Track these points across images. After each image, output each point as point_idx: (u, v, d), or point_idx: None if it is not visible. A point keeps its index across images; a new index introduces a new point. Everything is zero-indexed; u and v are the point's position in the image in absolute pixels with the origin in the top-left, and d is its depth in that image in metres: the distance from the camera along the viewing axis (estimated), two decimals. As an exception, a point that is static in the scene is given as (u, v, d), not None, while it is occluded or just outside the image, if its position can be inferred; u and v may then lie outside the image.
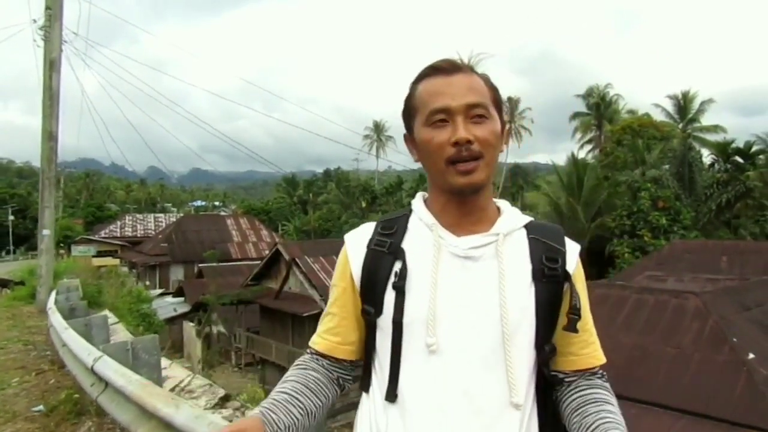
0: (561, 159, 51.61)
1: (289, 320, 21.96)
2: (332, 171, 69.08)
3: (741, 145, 28.53)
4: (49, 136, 11.75)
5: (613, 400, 1.17)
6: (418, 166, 1.23)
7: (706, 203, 27.14)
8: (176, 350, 24.95)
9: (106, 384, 4.44)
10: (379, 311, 1.14)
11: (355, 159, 69.39)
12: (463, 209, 1.16)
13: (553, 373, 1.19)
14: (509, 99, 52.31)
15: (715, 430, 7.84)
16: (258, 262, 27.79)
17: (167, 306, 27.57)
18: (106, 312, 9.23)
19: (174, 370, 6.35)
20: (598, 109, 42.08)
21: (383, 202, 47.15)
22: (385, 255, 1.15)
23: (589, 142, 43.45)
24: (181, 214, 59.05)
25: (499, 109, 1.17)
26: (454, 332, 1.10)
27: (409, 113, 1.19)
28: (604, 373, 1.24)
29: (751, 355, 8.83)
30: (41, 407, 5.24)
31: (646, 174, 26.54)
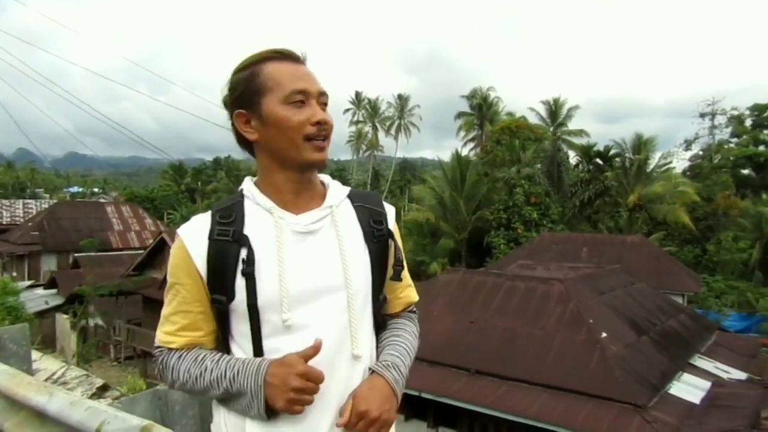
0: (446, 155, 53.50)
1: (173, 311, 21.13)
2: (222, 159, 66.72)
3: (601, 148, 32.20)
4: None
5: (409, 327, 1.41)
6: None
7: (571, 200, 30.24)
8: (48, 344, 23.19)
9: (-33, 377, 4.22)
10: (231, 298, 1.18)
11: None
12: (300, 187, 1.26)
13: (384, 318, 1.39)
14: (400, 96, 53.69)
15: (573, 402, 8.69)
16: (141, 251, 26.47)
17: (38, 298, 25.41)
18: (-34, 304, 8.53)
19: (46, 363, 6.05)
20: (480, 109, 43.94)
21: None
22: (230, 243, 1.19)
23: (471, 140, 45.27)
24: (55, 201, 54.43)
25: None
26: (307, 304, 1.19)
27: (255, 91, 1.22)
28: (415, 309, 1.48)
29: (604, 334, 9.89)
30: None
31: (521, 172, 28.53)
